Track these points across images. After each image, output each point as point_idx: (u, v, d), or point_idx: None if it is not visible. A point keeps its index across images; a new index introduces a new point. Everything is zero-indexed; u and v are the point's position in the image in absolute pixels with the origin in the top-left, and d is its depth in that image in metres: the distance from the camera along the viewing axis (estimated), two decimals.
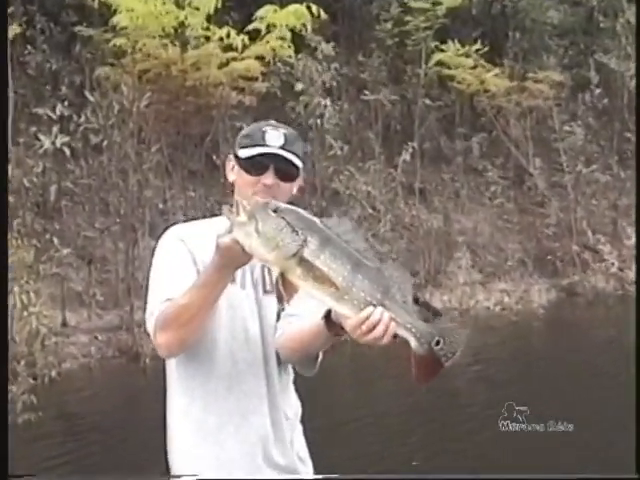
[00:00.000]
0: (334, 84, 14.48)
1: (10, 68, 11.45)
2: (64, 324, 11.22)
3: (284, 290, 2.20)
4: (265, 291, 2.67)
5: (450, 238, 14.97)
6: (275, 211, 2.19)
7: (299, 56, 13.92)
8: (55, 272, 11.13)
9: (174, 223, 2.82)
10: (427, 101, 15.61)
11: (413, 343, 2.29)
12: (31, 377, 9.33)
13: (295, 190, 2.68)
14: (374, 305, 2.22)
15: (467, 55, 14.51)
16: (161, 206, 12.83)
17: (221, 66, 12.00)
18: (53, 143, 11.21)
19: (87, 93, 11.68)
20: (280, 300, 2.26)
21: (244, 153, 2.59)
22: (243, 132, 2.68)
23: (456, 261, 14.27)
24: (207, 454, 2.62)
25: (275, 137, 2.58)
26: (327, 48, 13.90)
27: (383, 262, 2.27)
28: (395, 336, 2.28)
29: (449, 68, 14.83)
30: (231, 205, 2.25)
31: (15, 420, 8.35)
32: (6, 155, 9.32)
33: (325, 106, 13.85)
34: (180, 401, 2.67)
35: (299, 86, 13.88)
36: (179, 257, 2.59)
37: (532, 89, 15.18)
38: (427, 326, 2.28)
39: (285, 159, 2.59)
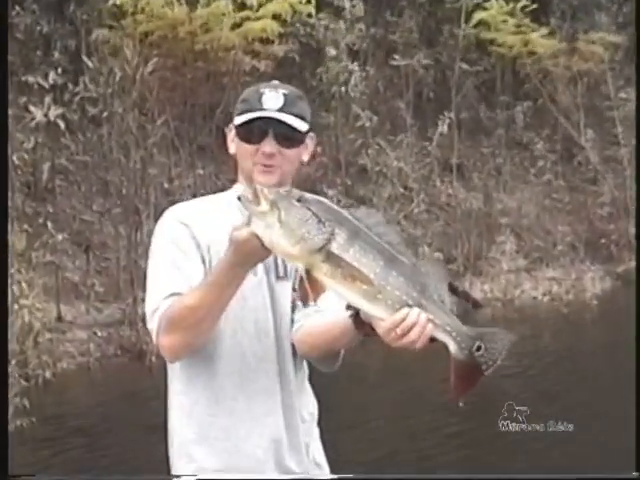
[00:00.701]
0: (360, 47, 14.22)
1: None
2: (59, 318, 11.12)
3: (310, 288, 2.17)
4: (278, 277, 2.61)
5: (491, 220, 14.76)
6: (299, 200, 2.15)
7: (320, 15, 13.71)
8: (49, 260, 11.01)
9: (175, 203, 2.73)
10: (464, 66, 15.34)
11: (453, 348, 2.25)
12: (23, 378, 9.19)
13: (305, 157, 2.64)
14: (409, 305, 2.19)
15: (512, 14, 14.20)
16: (166, 185, 12.69)
17: (234, 27, 11.77)
18: (46, 115, 11.02)
19: (85, 58, 11.46)
20: (305, 300, 2.23)
21: (240, 119, 2.56)
22: (241, 96, 2.64)
23: (498, 246, 14.05)
24: (213, 462, 2.60)
25: (273, 99, 2.53)
26: (353, 6, 13.64)
27: (418, 258, 2.23)
28: (432, 340, 2.24)
29: (489, 29, 14.53)
30: (252, 194, 2.18)
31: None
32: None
33: (350, 72, 13.60)
34: (182, 401, 2.64)
35: (321, 49, 13.67)
36: (181, 243, 2.54)
37: (584, 51, 14.87)
38: (468, 329, 2.24)
39: (285, 122, 2.53)
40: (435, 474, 6.59)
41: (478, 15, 14.39)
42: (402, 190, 13.71)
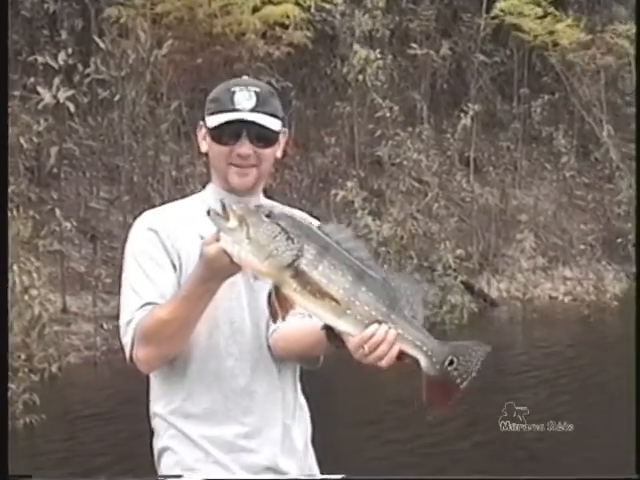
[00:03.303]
0: (377, 35, 13.92)
1: None
2: (64, 310, 10.81)
3: (279, 305, 2.19)
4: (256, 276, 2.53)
5: (507, 216, 14.51)
6: (268, 216, 2.18)
7: (336, 0, 13.42)
8: (56, 249, 10.68)
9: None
10: (481, 57, 15.10)
11: (424, 362, 2.26)
12: (30, 372, 8.86)
13: (279, 154, 2.67)
14: (379, 321, 2.21)
15: (537, 3, 13.94)
16: (174, 173, 12.35)
17: (254, 10, 11.44)
18: (55, 97, 10.64)
19: (96, 38, 11.10)
20: (275, 317, 2.23)
21: (212, 121, 2.57)
22: (211, 94, 2.64)
23: (515, 243, 13.79)
24: (193, 458, 2.62)
25: (245, 98, 2.55)
26: None
27: (389, 272, 2.26)
28: (400, 357, 2.26)
29: (513, 15, 14.25)
30: (222, 209, 2.19)
31: (14, 424, 8.00)
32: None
33: (367, 60, 13.29)
34: (161, 401, 2.67)
35: (337, 36, 13.38)
36: (151, 251, 2.58)
37: (609, 43, 14.61)
38: (439, 344, 2.25)
39: (259, 123, 2.55)
40: (435, 474, 6.52)
41: (500, 4, 14.09)
42: (417, 184, 13.42)
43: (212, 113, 2.58)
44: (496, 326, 12.70)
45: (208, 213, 2.21)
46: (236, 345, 2.60)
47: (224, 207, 2.18)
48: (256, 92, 2.56)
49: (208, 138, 2.61)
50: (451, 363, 2.26)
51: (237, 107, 2.54)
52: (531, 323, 12.63)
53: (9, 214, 9.68)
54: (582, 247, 14.78)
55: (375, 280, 2.21)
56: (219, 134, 2.56)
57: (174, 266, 2.56)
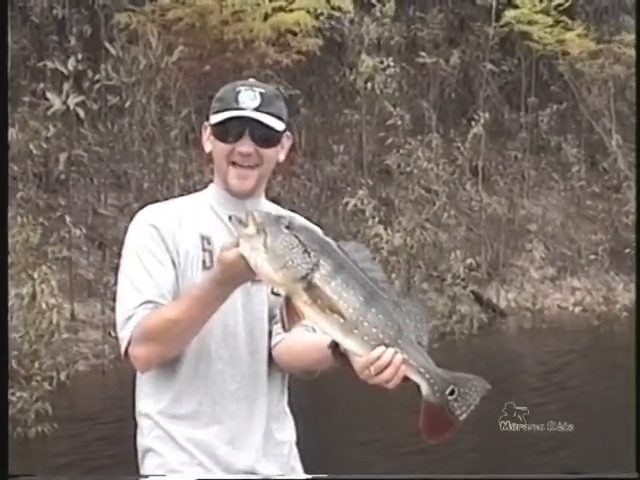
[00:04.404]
0: (386, 43, 13.91)
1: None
2: (72, 317, 10.76)
3: (286, 315, 2.23)
4: (254, 280, 2.51)
5: (514, 226, 14.46)
6: (288, 227, 2.21)
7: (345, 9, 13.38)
8: (65, 256, 10.63)
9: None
10: (489, 66, 15.08)
11: (425, 389, 2.29)
12: (38, 380, 8.80)
13: (282, 157, 2.68)
14: (386, 344, 2.23)
15: (547, 12, 13.93)
16: (182, 181, 12.31)
17: (265, 17, 11.43)
18: (64, 103, 10.61)
19: (107, 44, 11.07)
20: (282, 326, 2.26)
21: (215, 118, 2.59)
22: (217, 94, 2.66)
23: (524, 253, 13.75)
24: (177, 460, 2.62)
25: (249, 98, 2.56)
26: (384, 5, 13.33)
27: (403, 297, 2.29)
28: (406, 379, 2.29)
29: (523, 23, 14.24)
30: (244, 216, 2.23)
31: (26, 432, 8.01)
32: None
33: (375, 69, 13.27)
34: (148, 402, 2.65)
35: (345, 44, 13.37)
36: (152, 247, 2.58)
37: (617, 52, 14.61)
38: (442, 372, 2.29)
39: (262, 122, 2.57)
40: (435, 474, 6.56)
41: (510, 13, 14.08)
42: (425, 193, 13.39)
43: (216, 111, 2.59)
44: (505, 336, 12.67)
45: (230, 218, 2.26)
46: (227, 349, 2.60)
47: (246, 214, 2.21)
48: (261, 93, 2.58)
49: (211, 136, 2.63)
50: (452, 393, 2.29)
51: (241, 106, 2.55)
52: (540, 333, 12.60)
53: (19, 220, 9.67)
54: (591, 257, 14.73)
55: (386, 303, 2.24)
56: (222, 131, 2.58)
57: (173, 264, 2.57)
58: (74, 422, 8.76)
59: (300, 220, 2.35)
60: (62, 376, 9.41)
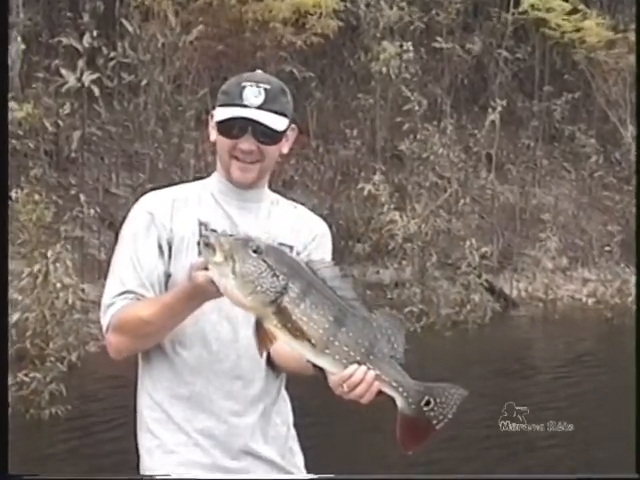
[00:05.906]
0: (398, 27, 13.76)
1: None
2: (81, 298, 10.62)
3: (259, 339, 2.26)
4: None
5: (526, 215, 14.37)
6: (256, 251, 2.23)
7: None
8: (77, 235, 10.50)
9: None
10: (504, 53, 14.96)
11: (400, 402, 2.33)
12: (52, 361, 8.68)
13: (285, 150, 2.72)
14: (357, 361, 2.27)
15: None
16: (193, 162, 12.18)
17: None
18: (79, 80, 10.45)
19: (124, 21, 10.89)
20: (258, 349, 2.30)
21: (219, 114, 2.62)
22: (223, 87, 2.69)
23: (537, 243, 13.65)
24: (174, 441, 2.67)
25: (253, 95, 2.58)
26: None
27: (372, 311, 2.30)
28: (380, 392, 2.32)
29: (540, 10, 14.11)
30: (211, 241, 2.24)
31: (40, 415, 7.89)
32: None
33: (390, 53, 13.13)
34: (146, 383, 2.71)
35: (360, 27, 13.23)
36: (143, 235, 2.63)
37: (632, 43, 14.45)
38: (416, 384, 2.33)
39: (265, 123, 2.59)
40: (434, 474, 6.52)
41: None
42: (439, 180, 13.28)
43: (221, 105, 2.62)
44: (517, 326, 12.58)
45: (198, 244, 2.36)
46: (222, 331, 2.65)
47: (212, 240, 2.23)
48: (266, 89, 2.59)
49: (215, 130, 2.66)
50: (427, 404, 2.33)
51: (245, 103, 2.57)
52: (553, 324, 12.52)
53: (33, 197, 9.52)
54: (606, 249, 14.65)
55: (357, 320, 2.27)
56: (225, 128, 2.61)
57: (162, 252, 2.62)
58: (85, 404, 8.69)
59: (267, 242, 2.33)
60: (73, 357, 9.33)
